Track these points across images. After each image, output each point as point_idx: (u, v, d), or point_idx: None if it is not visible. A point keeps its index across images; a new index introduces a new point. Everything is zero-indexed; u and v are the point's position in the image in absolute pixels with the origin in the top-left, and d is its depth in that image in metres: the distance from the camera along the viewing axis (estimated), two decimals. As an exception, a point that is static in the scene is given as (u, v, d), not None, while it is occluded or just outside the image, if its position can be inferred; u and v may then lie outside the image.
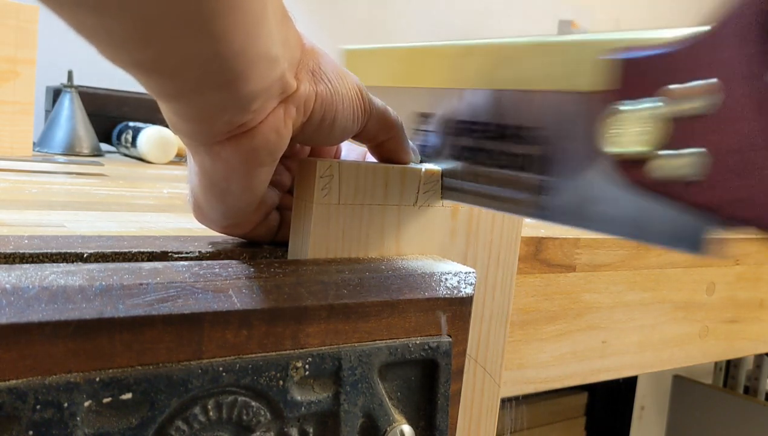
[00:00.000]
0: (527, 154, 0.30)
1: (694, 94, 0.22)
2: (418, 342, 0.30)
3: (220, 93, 0.25)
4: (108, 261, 0.29)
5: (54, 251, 0.28)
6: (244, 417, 0.25)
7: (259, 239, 0.34)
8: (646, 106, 0.23)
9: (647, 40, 0.24)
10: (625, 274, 0.55)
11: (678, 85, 0.22)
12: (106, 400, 0.22)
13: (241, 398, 0.25)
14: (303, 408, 0.27)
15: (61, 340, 0.21)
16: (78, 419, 0.22)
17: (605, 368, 0.55)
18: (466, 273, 0.32)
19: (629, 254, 0.55)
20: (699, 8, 0.22)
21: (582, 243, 0.51)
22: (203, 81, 0.24)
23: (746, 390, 1.71)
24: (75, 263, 0.27)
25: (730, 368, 1.73)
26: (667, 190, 0.23)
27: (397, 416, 0.30)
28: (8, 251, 0.28)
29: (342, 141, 0.32)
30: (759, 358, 1.68)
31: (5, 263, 0.27)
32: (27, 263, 0.28)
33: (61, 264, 0.25)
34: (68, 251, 0.29)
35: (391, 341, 0.29)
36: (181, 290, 0.24)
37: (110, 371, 0.22)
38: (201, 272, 0.26)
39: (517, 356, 0.49)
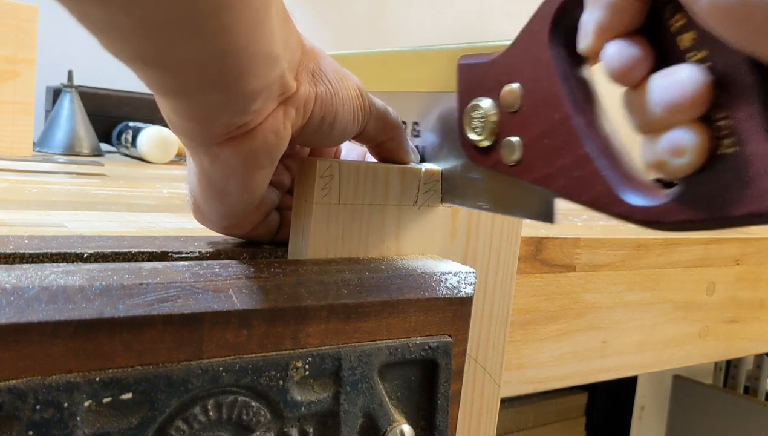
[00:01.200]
0: (420, 145, 0.36)
1: (508, 95, 0.28)
2: (418, 342, 0.30)
3: (221, 91, 0.25)
4: (108, 261, 0.29)
5: (54, 251, 0.28)
6: (244, 417, 0.25)
7: (259, 238, 0.34)
8: (483, 103, 0.29)
9: (488, 48, 0.30)
10: (625, 274, 0.55)
11: (504, 87, 0.28)
12: (106, 400, 0.22)
13: (241, 398, 0.25)
14: (303, 408, 0.27)
15: (61, 340, 0.21)
16: (78, 419, 0.22)
17: (605, 368, 0.55)
18: (466, 273, 0.32)
19: (629, 254, 0.55)
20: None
21: (582, 243, 0.51)
22: (205, 77, 0.24)
23: (746, 390, 1.71)
24: (75, 263, 0.27)
25: (730, 368, 1.73)
26: (503, 170, 0.29)
27: (397, 416, 0.30)
28: (8, 251, 0.28)
29: (342, 142, 0.32)
30: (759, 358, 1.68)
31: (5, 263, 0.27)
32: (27, 263, 0.28)
33: (61, 264, 0.25)
34: (68, 251, 0.29)
35: (391, 341, 0.29)
36: (181, 290, 0.24)
37: (110, 371, 0.22)
38: (201, 272, 0.26)
39: (517, 356, 0.49)
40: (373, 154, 0.34)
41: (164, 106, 0.27)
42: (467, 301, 0.31)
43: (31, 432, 0.21)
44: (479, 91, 0.29)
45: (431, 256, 0.34)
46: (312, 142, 0.31)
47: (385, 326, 0.29)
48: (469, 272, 0.32)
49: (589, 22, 0.23)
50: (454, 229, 0.35)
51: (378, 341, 0.29)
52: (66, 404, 0.21)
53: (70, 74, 0.96)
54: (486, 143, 0.29)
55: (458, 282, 0.31)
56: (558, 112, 0.26)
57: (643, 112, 0.22)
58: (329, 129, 0.30)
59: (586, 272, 0.52)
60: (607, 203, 0.25)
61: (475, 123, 0.29)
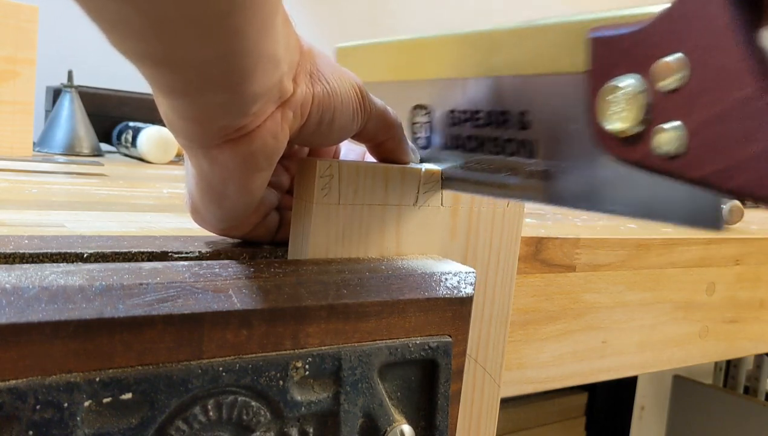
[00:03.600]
0: (528, 140, 0.30)
1: (665, 69, 0.22)
2: (418, 342, 0.30)
3: (224, 92, 0.25)
4: (108, 261, 0.29)
5: (54, 251, 0.28)
6: (244, 417, 0.25)
7: (258, 239, 0.34)
8: (624, 84, 0.23)
9: (622, 17, 0.24)
10: (625, 274, 0.55)
11: (658, 61, 0.22)
12: (106, 400, 0.22)
13: (241, 398, 0.25)
14: (303, 408, 0.27)
15: (61, 340, 0.21)
16: (78, 419, 0.22)
17: (605, 368, 0.55)
18: (466, 273, 0.32)
19: (629, 254, 0.55)
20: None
21: (582, 243, 0.51)
22: (210, 78, 0.24)
23: (746, 390, 1.71)
24: (75, 263, 0.27)
25: (730, 368, 1.73)
26: (654, 166, 0.23)
27: (397, 416, 0.30)
28: (8, 251, 0.28)
29: (340, 141, 0.32)
30: (759, 358, 1.68)
31: (5, 263, 0.27)
32: (27, 263, 0.28)
33: (61, 264, 0.25)
34: (68, 251, 0.29)
35: (391, 341, 0.29)
36: (181, 290, 0.24)
37: (110, 371, 0.22)
38: (201, 272, 0.26)
39: (517, 356, 0.49)
40: (373, 153, 0.34)
41: (164, 106, 0.27)
42: (467, 301, 0.31)
43: (31, 432, 0.21)
44: (621, 68, 0.24)
45: (431, 256, 0.34)
46: (310, 142, 0.31)
47: (385, 326, 0.29)
48: (469, 272, 0.32)
49: None
50: (454, 229, 0.35)
51: (378, 341, 0.29)
52: (66, 404, 0.21)
53: (70, 74, 0.96)
54: (631, 132, 0.23)
55: (458, 282, 0.31)
56: (739, 89, 0.21)
57: None
58: (327, 129, 0.30)
59: (586, 272, 0.52)
60: None
61: (614, 108, 0.24)
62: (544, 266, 0.49)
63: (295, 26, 0.28)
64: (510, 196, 0.32)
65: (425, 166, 0.34)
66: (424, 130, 0.36)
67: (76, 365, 0.22)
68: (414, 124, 0.36)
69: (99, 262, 0.29)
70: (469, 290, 0.31)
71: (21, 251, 0.28)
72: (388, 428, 0.29)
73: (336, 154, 0.36)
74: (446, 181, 0.35)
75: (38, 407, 0.21)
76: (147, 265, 0.26)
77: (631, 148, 0.24)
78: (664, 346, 0.59)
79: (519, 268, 0.47)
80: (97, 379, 0.22)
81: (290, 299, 0.26)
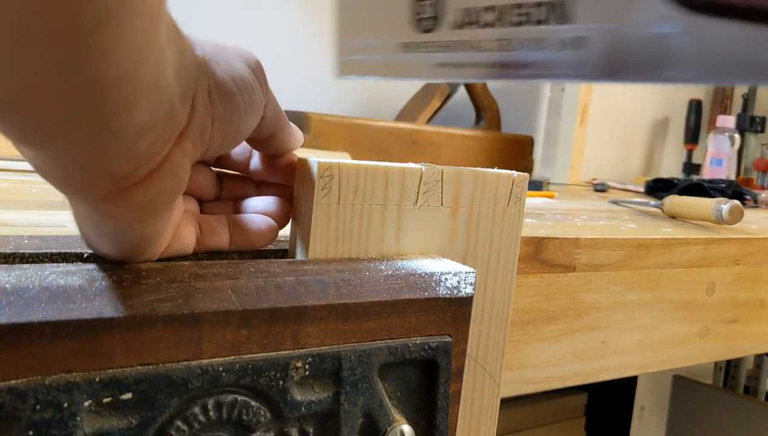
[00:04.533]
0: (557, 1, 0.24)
1: None
2: (418, 342, 0.30)
3: (99, 133, 0.20)
4: (108, 261, 0.29)
5: (54, 251, 0.28)
6: (244, 417, 0.25)
7: (177, 255, 0.29)
8: None
9: None
10: (625, 274, 0.55)
11: None
12: (106, 400, 0.22)
13: (241, 398, 0.25)
14: (303, 408, 0.27)
15: (61, 340, 0.21)
16: (78, 419, 0.22)
17: (605, 368, 0.55)
18: (466, 273, 0.32)
19: (629, 254, 0.55)
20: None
21: (582, 243, 0.51)
22: (80, 118, 0.19)
23: (746, 390, 1.71)
24: (75, 263, 0.27)
25: (730, 368, 1.73)
26: (728, 2, 0.17)
27: (397, 416, 0.29)
28: (8, 251, 0.28)
29: (241, 142, 0.29)
30: (759, 358, 1.68)
31: (5, 263, 0.27)
32: (27, 263, 0.28)
33: (61, 264, 0.25)
34: (68, 251, 0.29)
35: (391, 341, 0.29)
36: (181, 290, 0.24)
37: (110, 371, 0.22)
38: (201, 272, 0.26)
39: (517, 356, 0.49)
40: (260, 149, 0.32)
41: (30, 155, 0.21)
42: (467, 301, 0.31)
43: (31, 432, 0.21)
44: None
45: (431, 256, 0.34)
46: (212, 157, 0.29)
47: (385, 326, 0.29)
48: (469, 272, 0.32)
49: None
50: (454, 229, 0.35)
51: (378, 341, 0.29)
52: (66, 404, 0.21)
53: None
54: None
55: (458, 282, 0.31)
56: None
57: None
58: (231, 143, 0.27)
59: (586, 272, 0.52)
60: None
61: None
62: (544, 266, 0.49)
63: (182, 30, 0.23)
64: (536, 77, 0.26)
65: (425, 166, 0.34)
66: (429, 6, 0.30)
67: (76, 365, 0.22)
68: (419, 1, 0.30)
69: (99, 262, 0.29)
70: (469, 290, 0.31)
71: (21, 251, 0.28)
72: (388, 428, 0.29)
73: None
74: (458, 68, 0.29)
75: (38, 407, 0.21)
76: (147, 265, 0.26)
77: None
78: (664, 346, 0.59)
79: (519, 268, 0.47)
80: (97, 379, 0.22)
81: (290, 299, 0.26)
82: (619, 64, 0.23)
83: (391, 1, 0.33)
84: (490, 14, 0.27)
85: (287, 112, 0.35)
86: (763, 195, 1.19)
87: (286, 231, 0.34)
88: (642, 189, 1.27)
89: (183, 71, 0.22)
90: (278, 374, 0.26)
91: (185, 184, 0.25)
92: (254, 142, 0.31)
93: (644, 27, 0.22)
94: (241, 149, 0.33)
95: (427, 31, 0.30)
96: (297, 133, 0.32)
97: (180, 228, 0.29)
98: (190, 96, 0.23)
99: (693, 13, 0.19)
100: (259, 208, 0.33)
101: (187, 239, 0.29)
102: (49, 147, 0.20)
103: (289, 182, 0.34)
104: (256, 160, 0.33)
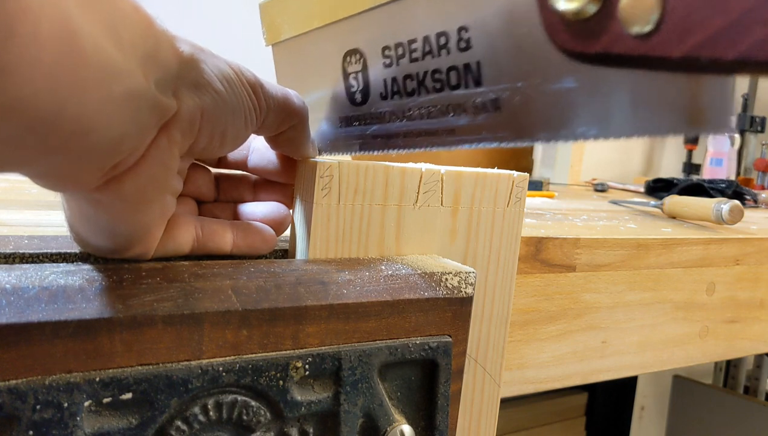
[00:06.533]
0: (472, 63, 0.25)
1: None
2: (418, 342, 0.30)
3: (65, 153, 0.20)
4: (108, 261, 0.29)
5: (54, 251, 0.28)
6: (244, 417, 0.25)
7: (171, 256, 0.29)
8: None
9: None
10: (625, 274, 0.55)
11: None
12: (106, 400, 0.22)
13: (241, 398, 0.25)
14: (303, 408, 0.27)
15: (61, 340, 0.21)
16: (78, 419, 0.22)
17: (605, 368, 0.55)
18: (466, 273, 0.32)
19: (629, 254, 0.55)
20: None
21: (582, 243, 0.51)
22: (36, 146, 0.19)
23: (746, 390, 1.71)
24: (75, 263, 0.27)
25: (730, 368, 1.73)
26: (626, 50, 0.18)
27: (397, 416, 0.29)
28: (8, 251, 0.28)
29: (234, 150, 0.30)
30: (759, 358, 1.68)
31: (5, 263, 0.27)
32: (27, 263, 0.28)
33: (61, 264, 0.25)
34: (68, 251, 0.29)
35: (391, 341, 0.29)
36: (181, 290, 0.24)
37: (110, 371, 0.22)
38: (201, 272, 0.26)
39: (517, 356, 0.49)
40: (271, 144, 0.32)
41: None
42: (467, 301, 0.31)
43: (31, 432, 0.21)
44: None
45: (431, 256, 0.34)
46: (203, 156, 0.29)
47: (385, 326, 0.29)
48: (469, 272, 0.32)
49: None
50: (454, 229, 0.35)
51: (378, 341, 0.29)
52: (66, 404, 0.21)
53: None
54: (589, 10, 0.18)
55: (458, 282, 0.31)
56: None
57: None
58: (220, 142, 0.27)
59: (586, 272, 0.52)
60: None
61: None
62: (544, 266, 0.49)
63: (166, 29, 0.23)
64: (463, 143, 0.27)
65: (425, 166, 0.34)
66: (359, 79, 0.32)
67: (76, 365, 0.22)
68: (348, 75, 0.33)
69: (99, 262, 0.29)
70: (469, 290, 0.31)
71: (21, 251, 0.28)
72: (388, 428, 0.29)
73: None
74: (390, 139, 0.31)
75: (38, 407, 0.21)
76: (147, 265, 0.26)
77: (589, 36, 0.18)
78: (664, 346, 0.59)
79: (519, 268, 0.47)
80: (97, 379, 0.22)
81: (290, 299, 0.26)
82: (531, 124, 0.24)
83: (325, 76, 0.34)
84: (411, 82, 0.28)
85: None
86: (763, 195, 1.19)
87: (286, 231, 0.34)
88: (642, 189, 1.27)
89: (155, 65, 0.22)
90: (278, 374, 0.26)
91: (174, 173, 0.26)
92: (268, 139, 0.31)
93: (547, 84, 0.22)
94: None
95: (359, 104, 0.32)
96: (308, 138, 0.32)
97: (175, 226, 0.29)
98: (170, 86, 0.24)
99: (589, 65, 0.19)
100: (258, 214, 0.33)
101: (183, 237, 0.29)
102: (20, 169, 0.21)
103: (288, 181, 0.34)
104: (254, 158, 0.34)
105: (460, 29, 0.25)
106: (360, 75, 0.32)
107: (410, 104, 0.29)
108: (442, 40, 0.26)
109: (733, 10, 0.15)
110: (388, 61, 0.29)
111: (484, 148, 0.26)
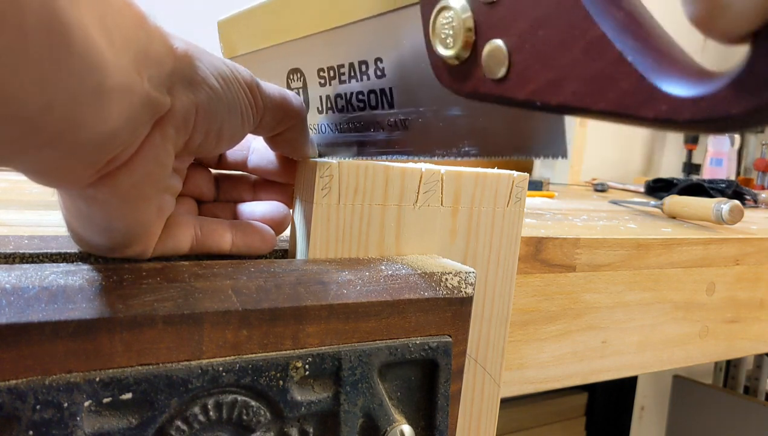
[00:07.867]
0: (386, 88, 0.29)
1: None
2: (418, 342, 0.30)
3: (56, 147, 0.20)
4: (108, 261, 0.29)
5: (54, 251, 0.28)
6: (244, 417, 0.25)
7: (169, 255, 0.29)
8: (452, 3, 0.22)
9: None
10: (625, 274, 0.55)
11: None
12: (106, 400, 0.22)
13: (241, 398, 0.25)
14: (303, 408, 0.27)
15: (61, 340, 0.21)
16: (78, 419, 0.22)
17: (605, 368, 0.55)
18: (466, 273, 0.32)
19: (629, 254, 0.55)
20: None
21: (582, 243, 0.51)
22: (24, 139, 0.19)
23: (746, 390, 1.71)
24: (75, 263, 0.27)
25: (730, 368, 1.73)
26: (489, 92, 0.21)
27: (397, 416, 0.29)
28: (8, 251, 0.28)
29: (231, 148, 0.30)
30: (759, 358, 1.68)
31: (5, 263, 0.27)
32: (27, 263, 0.28)
33: (61, 264, 0.25)
34: (68, 251, 0.29)
35: (391, 341, 0.29)
36: (181, 290, 0.24)
37: (110, 371, 0.22)
38: (201, 272, 0.26)
39: (517, 356, 0.49)
40: (270, 144, 0.32)
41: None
42: (467, 301, 0.31)
43: (31, 432, 0.21)
44: None
45: (431, 256, 0.34)
46: (199, 154, 0.28)
47: (385, 326, 0.29)
48: (469, 272, 0.32)
49: None
50: (454, 229, 0.35)
51: (378, 341, 0.29)
52: (66, 404, 0.21)
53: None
54: (462, 56, 0.22)
55: (458, 282, 0.31)
56: None
57: None
58: (216, 139, 0.27)
59: (586, 272, 0.52)
60: (639, 103, 0.18)
61: (445, 31, 0.22)
62: (544, 266, 0.49)
63: (159, 26, 0.23)
64: (381, 154, 0.32)
65: (425, 166, 0.34)
66: (300, 95, 0.34)
67: (76, 365, 0.22)
68: (291, 91, 0.34)
69: (99, 262, 0.29)
70: (469, 290, 0.31)
71: (21, 251, 0.28)
72: (388, 428, 0.29)
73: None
74: (328, 147, 0.34)
75: (38, 407, 0.21)
76: (147, 265, 0.26)
77: (462, 77, 0.22)
78: (664, 346, 0.59)
79: (519, 268, 0.47)
80: (97, 379, 0.22)
81: (290, 299, 0.26)
82: (430, 142, 0.29)
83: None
84: (340, 100, 0.33)
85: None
86: (763, 195, 1.19)
87: (286, 231, 0.34)
88: (642, 189, 1.27)
89: (148, 62, 0.22)
90: (278, 374, 0.26)
91: (169, 169, 0.26)
92: (266, 139, 0.32)
93: (441, 111, 0.28)
94: (238, 147, 0.33)
95: None
96: (307, 139, 0.32)
97: (174, 225, 0.29)
98: (164, 83, 0.23)
99: (468, 99, 0.23)
100: (258, 214, 0.33)
101: (182, 236, 0.29)
102: (13, 162, 0.21)
103: (288, 181, 0.34)
104: (254, 158, 0.34)
105: (377, 60, 0.30)
106: (300, 91, 0.36)
107: (341, 119, 0.34)
108: (363, 68, 0.31)
109: (557, 67, 0.19)
110: (322, 81, 0.34)
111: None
